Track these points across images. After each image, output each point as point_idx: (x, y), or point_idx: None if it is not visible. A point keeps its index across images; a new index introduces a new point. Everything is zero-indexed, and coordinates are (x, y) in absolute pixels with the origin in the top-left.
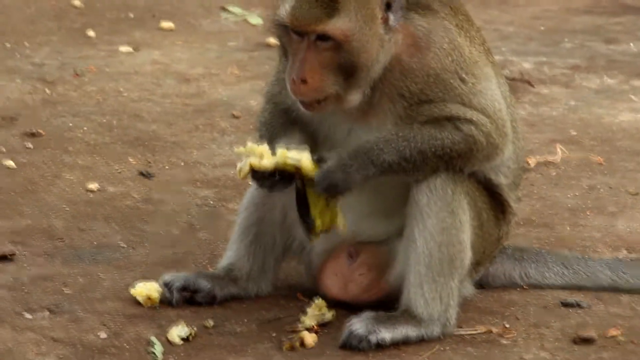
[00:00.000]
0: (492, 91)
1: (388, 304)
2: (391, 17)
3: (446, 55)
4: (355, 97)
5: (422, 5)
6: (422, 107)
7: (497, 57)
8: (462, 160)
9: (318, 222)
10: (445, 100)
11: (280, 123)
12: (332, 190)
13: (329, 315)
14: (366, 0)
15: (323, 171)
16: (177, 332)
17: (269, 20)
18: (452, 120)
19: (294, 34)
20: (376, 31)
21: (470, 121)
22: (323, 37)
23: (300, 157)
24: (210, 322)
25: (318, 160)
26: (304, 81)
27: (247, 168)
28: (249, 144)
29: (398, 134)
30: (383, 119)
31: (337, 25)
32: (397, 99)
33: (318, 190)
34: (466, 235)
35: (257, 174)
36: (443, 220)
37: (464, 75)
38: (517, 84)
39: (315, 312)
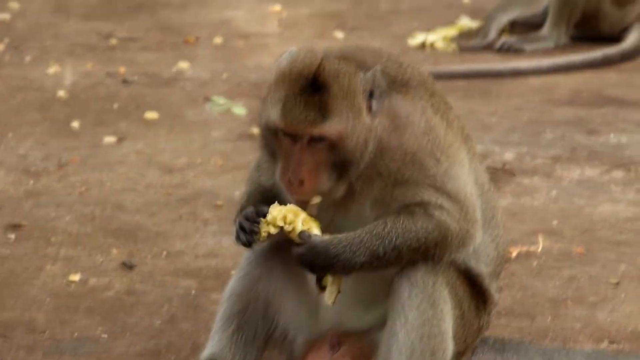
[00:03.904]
0: (464, 176)
1: None
2: (374, 104)
3: (423, 135)
4: (343, 188)
5: (400, 82)
6: (397, 190)
7: (479, 147)
8: (438, 248)
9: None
10: (419, 183)
11: (263, 198)
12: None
13: None
14: (353, 96)
15: (294, 252)
16: None
17: (258, 124)
18: (422, 206)
19: (285, 137)
20: (364, 123)
21: (440, 207)
22: (317, 138)
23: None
24: None
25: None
26: (301, 182)
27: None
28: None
29: (372, 232)
30: (362, 202)
31: (333, 127)
32: (375, 179)
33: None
34: (448, 326)
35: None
36: (424, 312)
37: (439, 156)
38: (499, 174)
39: None
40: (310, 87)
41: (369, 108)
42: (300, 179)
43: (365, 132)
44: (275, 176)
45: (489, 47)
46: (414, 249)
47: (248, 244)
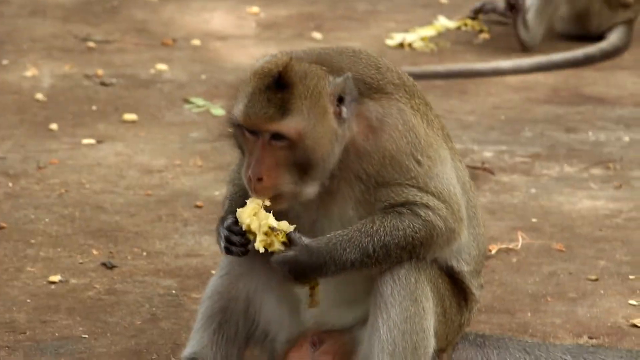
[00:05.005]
0: (447, 175)
1: None
2: (344, 110)
3: (401, 137)
4: (311, 190)
5: (375, 88)
6: (380, 191)
7: (458, 146)
8: (423, 247)
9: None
10: (402, 184)
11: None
12: (286, 275)
13: None
14: (317, 98)
15: (281, 258)
16: None
17: (224, 119)
18: (408, 206)
19: (248, 133)
20: (329, 126)
21: (426, 206)
22: (277, 136)
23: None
24: None
25: (289, 241)
26: (260, 179)
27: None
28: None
29: (361, 230)
30: (343, 205)
31: (291, 125)
32: (355, 182)
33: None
34: (429, 323)
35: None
36: (406, 309)
37: (419, 157)
38: (478, 172)
39: None
40: (275, 85)
41: (338, 113)
42: (259, 176)
43: (329, 135)
44: (242, 173)
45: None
46: (402, 247)
47: (243, 254)
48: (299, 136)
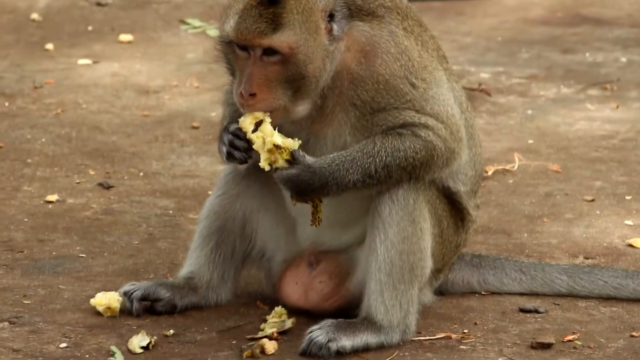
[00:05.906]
0: (444, 96)
1: (348, 311)
2: (334, 27)
3: (394, 61)
4: (302, 108)
5: (366, 11)
6: (376, 116)
7: (454, 67)
8: (423, 168)
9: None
10: (398, 108)
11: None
12: (287, 189)
13: (289, 322)
14: (309, 13)
15: (284, 175)
16: (138, 341)
17: (215, 37)
18: (408, 127)
19: (239, 50)
20: (321, 42)
21: (426, 126)
22: (269, 51)
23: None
24: (171, 331)
25: (293, 159)
26: (252, 95)
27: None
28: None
29: (363, 151)
30: (338, 129)
31: (282, 39)
32: (350, 108)
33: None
34: (427, 243)
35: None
36: (404, 229)
37: (414, 80)
38: (475, 93)
39: (276, 319)
40: (267, 0)
41: (329, 30)
42: (251, 92)
43: (321, 51)
44: (233, 92)
45: None
46: (403, 167)
47: (245, 161)
48: (291, 51)
